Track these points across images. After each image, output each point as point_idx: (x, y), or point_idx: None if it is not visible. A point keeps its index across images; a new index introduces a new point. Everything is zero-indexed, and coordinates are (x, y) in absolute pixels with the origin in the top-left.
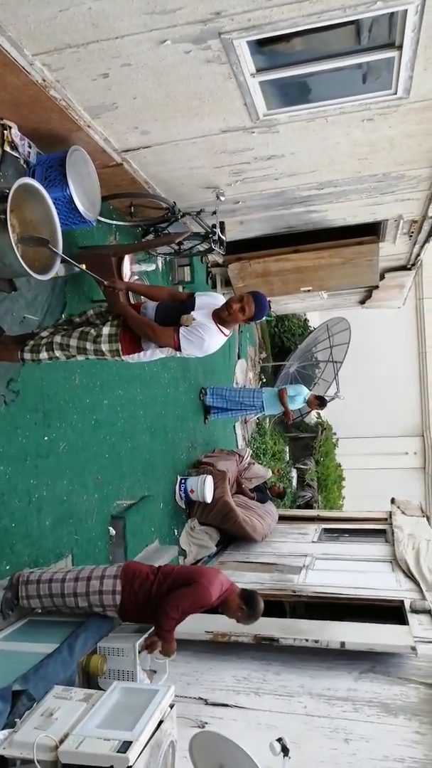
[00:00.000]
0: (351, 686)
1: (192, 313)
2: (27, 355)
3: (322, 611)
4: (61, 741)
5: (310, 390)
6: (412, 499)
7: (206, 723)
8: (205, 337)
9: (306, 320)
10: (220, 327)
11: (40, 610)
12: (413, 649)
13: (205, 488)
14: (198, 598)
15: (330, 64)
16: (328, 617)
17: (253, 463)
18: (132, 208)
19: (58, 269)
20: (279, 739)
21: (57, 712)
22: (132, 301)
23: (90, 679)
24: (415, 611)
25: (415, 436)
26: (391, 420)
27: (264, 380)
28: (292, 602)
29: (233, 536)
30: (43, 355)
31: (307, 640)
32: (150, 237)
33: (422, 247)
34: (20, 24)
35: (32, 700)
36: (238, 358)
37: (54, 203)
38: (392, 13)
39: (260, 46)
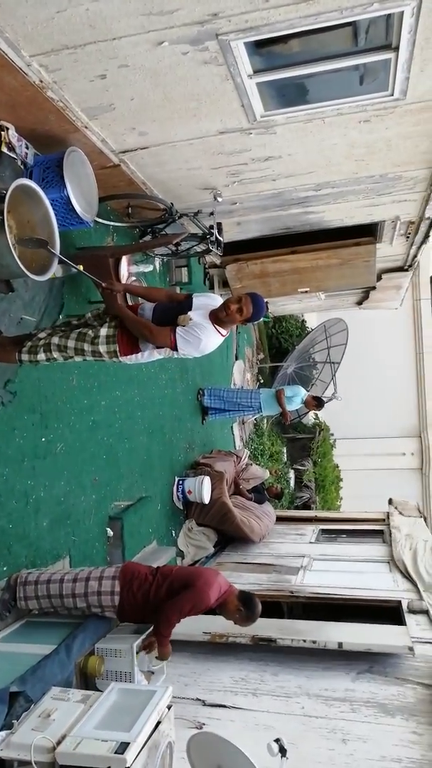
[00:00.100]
0: (348, 687)
1: (189, 313)
2: (25, 356)
3: (319, 612)
4: (59, 742)
5: (308, 391)
6: (410, 499)
7: (204, 724)
8: (202, 337)
9: (303, 321)
10: (217, 327)
11: (37, 612)
12: (410, 649)
13: (203, 489)
14: (198, 602)
15: (327, 65)
16: (326, 618)
17: (251, 464)
18: (129, 209)
19: (55, 270)
20: (277, 740)
21: (54, 714)
22: (129, 303)
23: (87, 681)
24: (412, 612)
25: (413, 437)
26: (389, 421)
27: (261, 381)
28: (289, 603)
29: (231, 537)
30: (41, 356)
31: (304, 641)
32: (147, 238)
33: (419, 248)
34: (18, 25)
35: (29, 701)
36: (236, 359)
37: (51, 204)
38: (389, 15)
39: (257, 47)
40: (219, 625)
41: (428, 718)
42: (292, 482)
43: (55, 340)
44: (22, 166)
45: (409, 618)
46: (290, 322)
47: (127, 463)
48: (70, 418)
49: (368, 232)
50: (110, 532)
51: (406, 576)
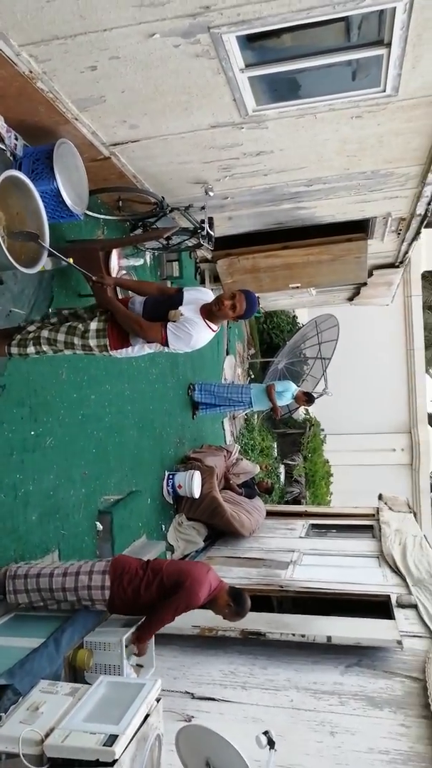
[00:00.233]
0: (337, 680)
1: (180, 308)
2: (14, 350)
3: (309, 606)
4: (47, 735)
5: (299, 386)
6: (400, 495)
7: (193, 717)
8: (192, 332)
9: (295, 317)
10: (208, 322)
11: (25, 605)
12: (399, 643)
13: (193, 484)
14: (189, 602)
15: (319, 60)
16: (315, 612)
17: (241, 459)
18: (120, 202)
19: (45, 263)
20: (265, 732)
21: (43, 707)
22: (120, 296)
23: (76, 674)
24: (401, 606)
25: (403, 432)
26: (379, 417)
27: (252, 376)
28: (279, 597)
29: (221, 531)
30: (30, 349)
31: (293, 635)
32: (138, 232)
33: (410, 244)
34: (6, 14)
35: (18, 694)
36: (227, 354)
37: (41, 196)
38: (381, 11)
39: (250, 41)
40: (208, 618)
41: (416, 711)
42: (282, 477)
43: (45, 333)
44: (11, 158)
45: (398, 612)
46: (281, 317)
47: (117, 458)
48: (59, 412)
49: (360, 229)
50: (100, 526)
51: (395, 571)
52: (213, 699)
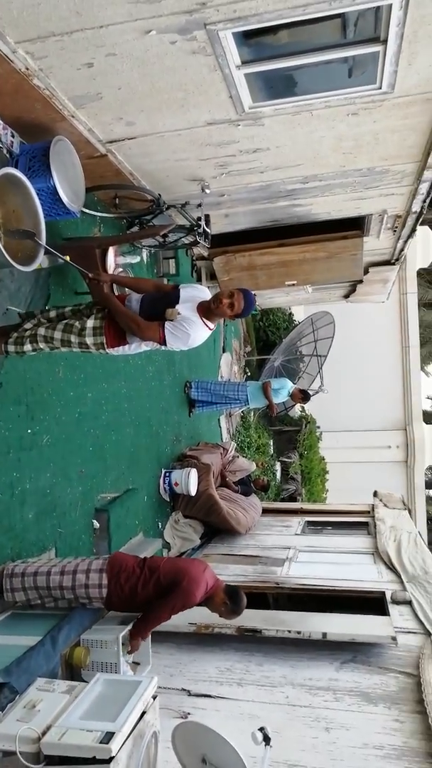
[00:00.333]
0: (332, 676)
1: (177, 306)
2: (11, 348)
3: (304, 603)
4: (44, 733)
5: (295, 384)
6: (395, 492)
7: (189, 714)
8: (190, 331)
9: (291, 314)
10: (205, 321)
11: (23, 603)
12: (394, 639)
13: (190, 481)
14: (186, 602)
15: (316, 57)
16: (311, 609)
17: (238, 457)
18: (117, 199)
19: (41, 261)
20: (261, 729)
21: (40, 705)
22: (116, 293)
23: (73, 672)
24: (395, 602)
25: (398, 429)
26: (375, 414)
27: (249, 374)
28: (275, 594)
29: (217, 529)
30: (27, 347)
31: (289, 632)
32: (135, 229)
33: (406, 242)
34: (2, 10)
35: (15, 692)
36: (223, 351)
37: (37, 194)
38: (378, 7)
39: (246, 38)
40: (205, 616)
41: (410, 707)
42: (278, 474)
43: (42, 331)
44: (7, 155)
45: (393, 608)
46: (277, 314)
47: (114, 455)
48: (56, 410)
49: (355, 226)
50: (96, 524)
51: (390, 567)
52: (209, 696)
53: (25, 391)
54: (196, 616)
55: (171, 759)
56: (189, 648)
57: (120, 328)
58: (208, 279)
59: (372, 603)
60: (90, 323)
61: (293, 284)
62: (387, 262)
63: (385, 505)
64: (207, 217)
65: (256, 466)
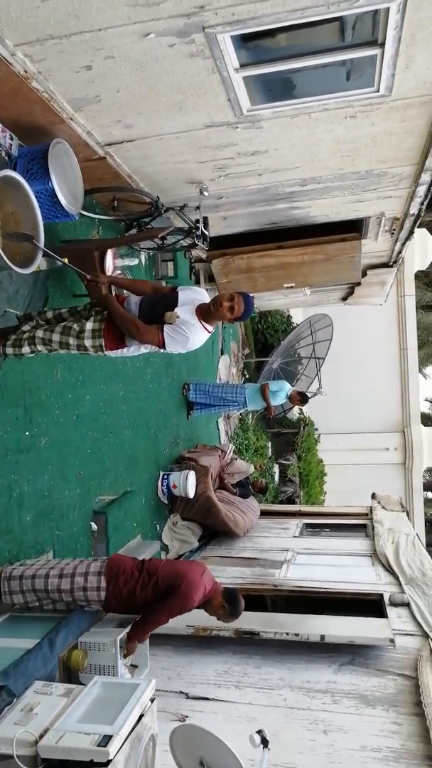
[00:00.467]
0: (330, 678)
1: (176, 310)
2: (9, 350)
3: (302, 605)
4: (41, 736)
5: (293, 386)
6: (393, 494)
7: (187, 716)
8: (189, 335)
9: (289, 316)
10: (204, 324)
11: (21, 606)
12: (392, 641)
13: (188, 483)
14: (183, 606)
15: (314, 60)
16: (309, 611)
17: (236, 459)
18: (115, 202)
19: (40, 263)
20: (259, 731)
21: (37, 708)
22: (114, 293)
23: (71, 674)
24: (393, 604)
25: (396, 432)
26: (373, 416)
27: (247, 376)
28: (273, 596)
29: (215, 531)
30: (26, 349)
31: (287, 634)
32: (133, 231)
33: (404, 244)
34: (1, 13)
35: (12, 695)
36: (222, 353)
37: (36, 196)
38: (375, 11)
39: (244, 41)
40: (203, 618)
41: (408, 709)
42: (276, 477)
43: (40, 333)
44: (6, 158)
45: (391, 611)
46: (276, 317)
47: (112, 458)
48: (54, 412)
49: (353, 228)
50: (94, 527)
51: (388, 569)
52: (207, 699)
53: (23, 393)
54: (194, 619)
55: (169, 762)
56: (187, 651)
57: (119, 330)
58: (207, 281)
59: (370, 605)
60: (89, 326)
61: (291, 287)
62: (385, 265)
63: (383, 507)
64: (205, 219)
65: (255, 468)
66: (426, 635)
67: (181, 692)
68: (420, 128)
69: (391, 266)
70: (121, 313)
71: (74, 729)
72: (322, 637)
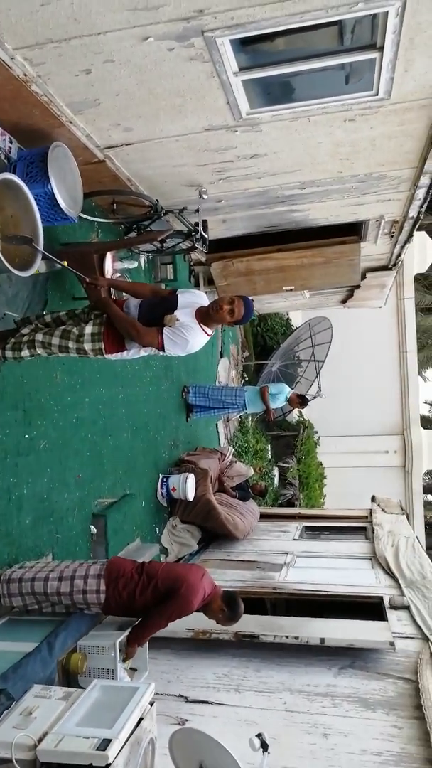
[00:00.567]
0: (330, 682)
1: (175, 312)
2: (8, 353)
3: (302, 608)
4: (40, 740)
5: (292, 389)
6: (392, 497)
7: (186, 720)
8: (188, 338)
9: (288, 319)
10: (203, 326)
11: (20, 609)
12: (392, 644)
13: (187, 486)
14: (183, 610)
15: (313, 64)
16: (309, 614)
17: (235, 462)
18: (114, 205)
19: (39, 266)
20: (258, 735)
21: (36, 711)
22: (114, 297)
23: (70, 678)
24: (393, 607)
25: (396, 434)
26: (372, 419)
27: (246, 379)
28: (273, 599)
29: (215, 534)
30: (25, 352)
31: (287, 637)
32: (132, 234)
33: (403, 247)
34: (1, 17)
35: (11, 699)
36: (221, 356)
37: (35, 199)
38: (374, 15)
39: (243, 44)
40: (202, 621)
41: (408, 712)
42: (276, 480)
43: (39, 337)
44: (5, 161)
45: (391, 614)
46: (275, 320)
47: (111, 461)
48: (53, 415)
49: (353, 231)
50: (94, 530)
51: (388, 572)
52: (207, 702)
53: (23, 396)
54: (194, 622)
55: (168, 766)
56: (186, 654)
57: (118, 334)
58: (206, 284)
59: (370, 608)
60: (88, 329)
61: (291, 289)
62: (384, 268)
63: (383, 510)
64: (204, 222)
65: (254, 471)
66: (426, 638)
67: (181, 695)
68: (419, 131)
69: (391, 269)
70: (120, 315)
71: (73, 733)
72: (322, 640)
